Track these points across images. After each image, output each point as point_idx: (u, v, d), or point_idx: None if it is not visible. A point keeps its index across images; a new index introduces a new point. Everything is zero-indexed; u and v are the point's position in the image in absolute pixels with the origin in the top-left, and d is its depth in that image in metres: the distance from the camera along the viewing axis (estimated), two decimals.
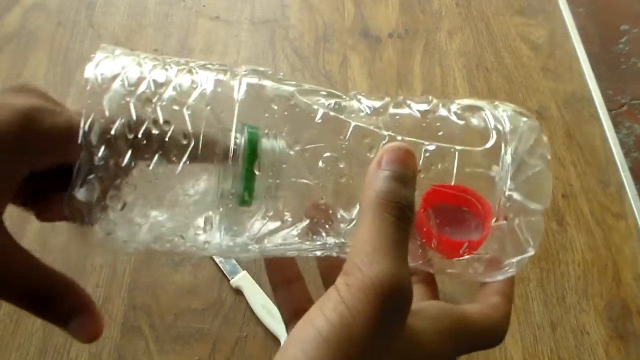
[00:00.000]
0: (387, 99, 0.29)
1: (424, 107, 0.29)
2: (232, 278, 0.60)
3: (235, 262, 0.62)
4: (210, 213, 0.26)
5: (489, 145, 0.28)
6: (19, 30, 0.82)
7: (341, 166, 0.27)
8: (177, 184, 0.25)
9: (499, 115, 0.29)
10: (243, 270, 0.61)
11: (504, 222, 0.28)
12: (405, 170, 0.25)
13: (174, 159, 0.24)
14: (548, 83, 0.79)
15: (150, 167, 0.24)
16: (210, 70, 0.27)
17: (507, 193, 0.27)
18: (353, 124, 0.27)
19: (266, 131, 0.26)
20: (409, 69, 0.79)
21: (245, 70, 0.28)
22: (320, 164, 0.27)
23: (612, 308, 0.61)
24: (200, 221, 0.26)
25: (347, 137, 0.27)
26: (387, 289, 0.22)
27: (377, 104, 0.29)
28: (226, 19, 0.85)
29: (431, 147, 0.27)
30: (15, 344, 0.57)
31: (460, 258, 0.29)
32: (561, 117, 0.75)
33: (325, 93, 0.28)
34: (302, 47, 0.81)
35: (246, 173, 0.25)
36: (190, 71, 0.26)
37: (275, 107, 0.27)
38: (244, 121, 0.26)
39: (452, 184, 0.27)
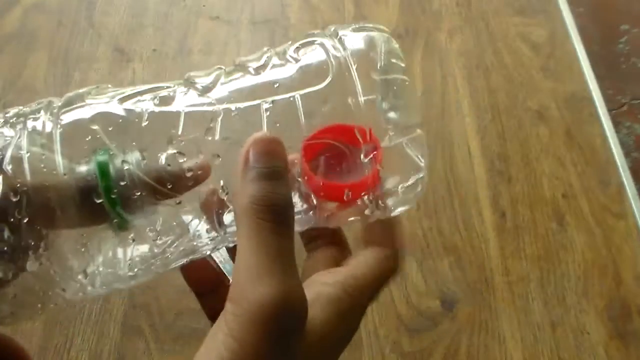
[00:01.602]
0: (220, 69, 0.27)
1: (257, 63, 0.27)
2: (232, 278, 0.60)
3: None
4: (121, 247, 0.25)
5: (328, 79, 0.26)
6: (19, 30, 0.82)
7: (192, 159, 0.25)
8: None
9: (336, 41, 0.27)
10: None
11: (390, 144, 0.26)
12: (274, 163, 0.23)
13: (11, 219, 0.22)
14: (548, 83, 0.79)
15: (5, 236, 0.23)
16: (25, 117, 0.25)
17: (383, 116, 0.26)
18: (183, 112, 0.25)
19: (111, 152, 0.24)
20: (409, 69, 0.79)
21: (59, 102, 0.26)
22: (166, 165, 0.25)
23: (612, 308, 0.61)
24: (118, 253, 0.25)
25: (180, 127, 0.25)
26: (274, 314, 0.21)
27: (209, 79, 0.27)
28: (226, 19, 0.85)
29: (267, 105, 0.25)
30: None
31: (350, 201, 0.27)
32: (561, 117, 0.75)
33: (149, 89, 0.26)
34: None
35: (108, 201, 0.24)
36: (6, 124, 0.25)
37: (96, 127, 0.25)
38: (72, 153, 0.24)
39: (311, 131, 0.25)
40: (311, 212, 0.27)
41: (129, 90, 0.26)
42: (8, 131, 0.24)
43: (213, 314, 0.28)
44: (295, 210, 0.25)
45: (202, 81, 0.27)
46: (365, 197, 0.27)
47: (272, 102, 0.25)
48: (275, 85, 0.26)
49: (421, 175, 0.27)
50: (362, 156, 0.25)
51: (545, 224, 0.67)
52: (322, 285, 0.25)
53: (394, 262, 0.27)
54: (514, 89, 0.78)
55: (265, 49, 0.28)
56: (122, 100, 0.26)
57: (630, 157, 1.31)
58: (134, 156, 0.25)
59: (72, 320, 0.58)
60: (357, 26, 0.28)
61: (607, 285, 0.63)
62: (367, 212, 0.27)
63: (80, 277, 0.25)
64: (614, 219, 0.67)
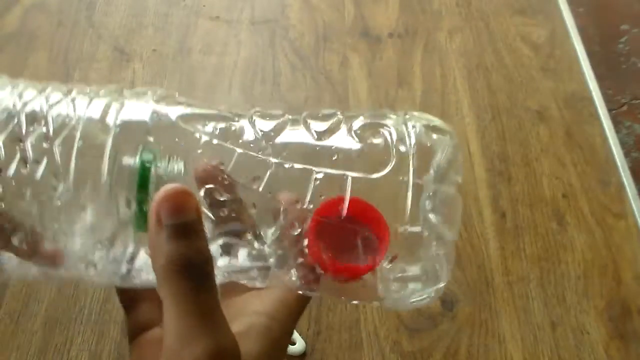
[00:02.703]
0: (285, 117, 0.27)
1: (322, 127, 0.26)
2: None
3: None
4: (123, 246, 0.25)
5: (386, 171, 0.25)
6: (19, 30, 0.82)
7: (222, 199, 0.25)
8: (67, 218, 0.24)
9: (404, 132, 0.26)
10: None
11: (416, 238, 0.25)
12: (184, 219, 0.22)
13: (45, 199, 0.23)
14: (548, 83, 0.79)
15: (21, 208, 0.23)
16: (90, 98, 0.26)
17: (423, 214, 0.25)
18: (237, 152, 0.25)
19: (165, 155, 0.25)
20: (409, 69, 0.79)
21: (131, 94, 0.26)
22: (204, 199, 0.25)
23: (612, 308, 0.61)
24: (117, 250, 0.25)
25: (229, 167, 0.25)
26: None
27: (271, 125, 0.26)
28: (226, 19, 0.85)
29: (319, 175, 0.25)
30: (15, 344, 0.57)
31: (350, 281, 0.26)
32: (561, 117, 0.75)
33: (213, 115, 0.26)
34: (302, 47, 0.81)
35: (138, 197, 0.24)
36: (68, 102, 0.25)
37: (152, 139, 0.25)
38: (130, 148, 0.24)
39: (344, 214, 0.25)
40: (307, 279, 0.26)
41: (195, 110, 0.26)
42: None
43: (134, 328, 0.28)
44: (291, 273, 0.25)
45: (265, 125, 0.26)
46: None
47: (325, 174, 0.25)
48: (333, 158, 0.26)
49: (436, 287, 0.27)
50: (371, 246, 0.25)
51: (545, 224, 0.67)
52: (253, 316, 0.26)
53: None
54: (514, 89, 0.78)
55: (333, 111, 0.27)
56: (185, 120, 0.26)
57: (630, 157, 1.31)
58: (178, 165, 0.25)
59: (72, 320, 0.58)
60: (429, 123, 0.27)
61: (607, 285, 0.63)
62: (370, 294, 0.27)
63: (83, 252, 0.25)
64: (614, 218, 0.67)
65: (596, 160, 0.72)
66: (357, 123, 0.27)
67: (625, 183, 0.70)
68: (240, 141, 0.26)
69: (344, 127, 0.27)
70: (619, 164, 0.72)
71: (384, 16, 0.85)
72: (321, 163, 0.25)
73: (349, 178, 0.25)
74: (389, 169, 0.25)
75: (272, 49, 0.81)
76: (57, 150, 0.24)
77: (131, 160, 0.24)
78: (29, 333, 0.57)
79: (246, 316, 0.26)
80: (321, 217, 0.25)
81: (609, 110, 0.79)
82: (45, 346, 0.57)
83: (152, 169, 0.25)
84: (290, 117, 0.27)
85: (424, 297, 0.27)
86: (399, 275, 0.26)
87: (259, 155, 0.25)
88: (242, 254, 0.26)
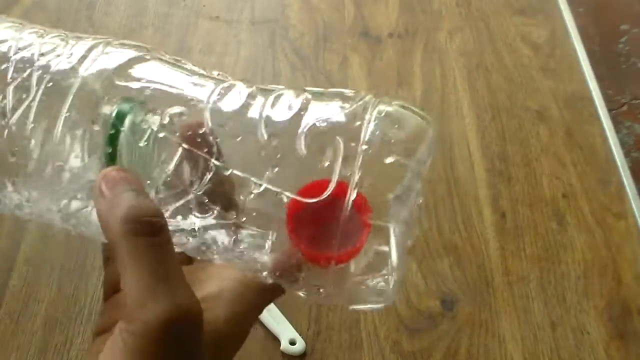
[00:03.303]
0: (282, 90, 0.27)
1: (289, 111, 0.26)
2: None
3: None
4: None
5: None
6: None
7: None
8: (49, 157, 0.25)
9: (363, 117, 0.25)
10: None
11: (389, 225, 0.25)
12: (131, 187, 0.23)
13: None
14: (548, 83, 0.79)
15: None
16: (86, 42, 0.26)
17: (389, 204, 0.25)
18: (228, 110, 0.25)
19: (142, 103, 0.25)
20: (409, 69, 0.79)
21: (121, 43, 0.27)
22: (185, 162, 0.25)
23: (612, 308, 0.61)
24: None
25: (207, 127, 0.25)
26: (170, 328, 0.21)
27: (265, 101, 0.26)
28: (226, 19, 0.85)
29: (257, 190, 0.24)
30: (15, 344, 0.57)
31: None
32: (561, 117, 0.75)
33: (199, 74, 0.27)
34: (302, 47, 0.81)
35: (109, 138, 0.24)
36: (63, 40, 0.26)
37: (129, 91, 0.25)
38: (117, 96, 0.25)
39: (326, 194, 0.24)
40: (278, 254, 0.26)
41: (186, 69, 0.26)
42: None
43: (108, 286, 0.28)
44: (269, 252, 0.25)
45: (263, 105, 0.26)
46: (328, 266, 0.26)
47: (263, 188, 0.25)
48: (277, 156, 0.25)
49: (389, 278, 0.26)
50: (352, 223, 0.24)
51: (545, 224, 0.67)
52: (226, 280, 0.25)
53: None
54: (514, 89, 0.78)
55: (304, 94, 0.27)
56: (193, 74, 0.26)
57: (630, 157, 1.31)
58: (155, 119, 0.25)
59: (72, 320, 0.58)
60: (397, 107, 0.27)
61: (607, 285, 0.63)
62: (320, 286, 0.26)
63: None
64: (614, 219, 0.67)
65: (596, 160, 0.72)
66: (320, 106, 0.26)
67: (625, 183, 0.70)
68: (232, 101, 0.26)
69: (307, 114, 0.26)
70: (619, 164, 0.72)
71: (384, 16, 0.85)
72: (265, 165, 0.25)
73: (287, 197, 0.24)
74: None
75: (272, 49, 0.81)
76: (36, 99, 0.24)
77: (108, 109, 0.25)
78: (29, 333, 0.57)
79: (219, 280, 0.25)
80: (302, 200, 0.24)
81: (609, 110, 0.79)
82: (45, 346, 0.57)
83: (127, 119, 0.25)
84: (286, 90, 0.27)
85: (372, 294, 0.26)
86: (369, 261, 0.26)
87: (249, 116, 0.25)
88: (221, 233, 0.26)
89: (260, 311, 0.27)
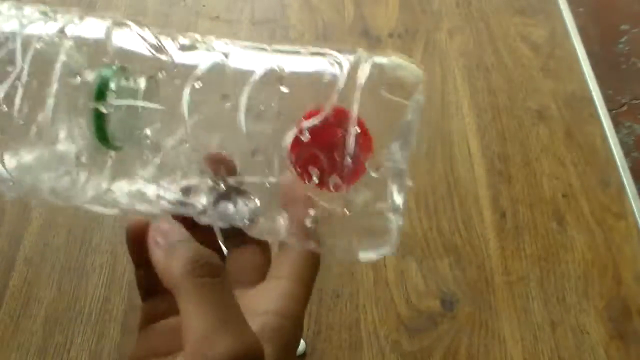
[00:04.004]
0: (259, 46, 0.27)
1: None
2: None
3: None
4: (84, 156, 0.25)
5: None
6: None
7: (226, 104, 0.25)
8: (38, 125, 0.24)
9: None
10: None
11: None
12: (182, 236, 0.25)
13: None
14: (548, 83, 0.79)
15: None
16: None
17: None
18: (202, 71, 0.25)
19: (125, 70, 0.25)
20: None
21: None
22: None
23: (612, 308, 0.61)
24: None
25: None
26: None
27: (241, 51, 0.26)
28: (226, 19, 0.85)
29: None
30: (15, 344, 0.57)
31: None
32: (561, 117, 0.75)
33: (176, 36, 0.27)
34: None
35: (94, 113, 0.24)
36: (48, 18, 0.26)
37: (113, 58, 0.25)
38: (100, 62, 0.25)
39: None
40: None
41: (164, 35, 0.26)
42: None
43: (147, 316, 0.29)
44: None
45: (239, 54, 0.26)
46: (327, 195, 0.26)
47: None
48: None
49: (391, 216, 0.26)
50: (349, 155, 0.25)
51: (545, 224, 0.67)
52: (263, 316, 0.26)
53: (315, 259, 0.28)
54: (514, 89, 0.78)
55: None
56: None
57: (630, 157, 1.31)
58: (137, 83, 0.25)
59: (72, 320, 0.58)
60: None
61: (607, 285, 0.63)
62: (308, 221, 0.26)
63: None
64: (614, 219, 0.67)
65: (596, 160, 0.72)
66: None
67: (625, 183, 0.70)
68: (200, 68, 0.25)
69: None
70: (619, 164, 0.72)
71: (384, 16, 0.85)
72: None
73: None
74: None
75: None
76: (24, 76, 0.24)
77: (90, 75, 0.25)
78: (29, 333, 0.57)
79: (257, 316, 0.26)
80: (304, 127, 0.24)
81: (609, 110, 0.79)
82: (45, 346, 0.57)
83: (111, 84, 0.25)
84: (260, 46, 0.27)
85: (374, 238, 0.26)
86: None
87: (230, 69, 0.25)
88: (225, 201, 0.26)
89: (301, 333, 0.27)
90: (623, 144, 0.93)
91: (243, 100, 0.25)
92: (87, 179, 0.26)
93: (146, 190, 0.26)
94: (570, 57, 0.82)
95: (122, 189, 0.26)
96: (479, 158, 0.71)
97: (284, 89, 0.25)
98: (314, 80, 0.26)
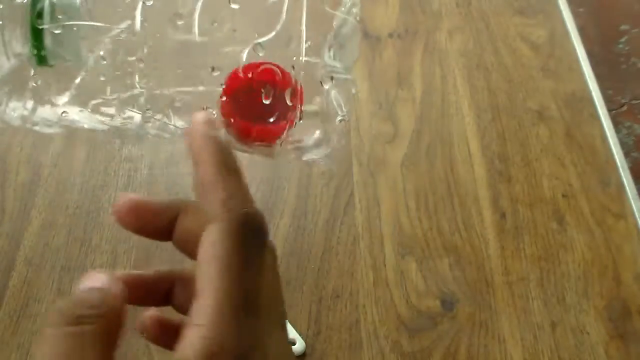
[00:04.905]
0: None
1: None
2: None
3: None
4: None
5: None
6: None
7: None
8: None
9: None
10: None
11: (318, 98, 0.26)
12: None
13: None
14: (548, 83, 0.79)
15: None
16: None
17: (322, 62, 0.25)
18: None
19: None
20: (409, 69, 0.79)
21: None
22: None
23: (612, 308, 0.61)
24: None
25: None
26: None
27: None
28: None
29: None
30: (15, 344, 0.57)
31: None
32: (561, 117, 0.75)
33: None
34: None
35: (32, 28, 0.23)
36: None
37: None
38: None
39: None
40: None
41: None
42: None
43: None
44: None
45: None
46: (276, 141, 0.27)
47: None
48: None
49: (338, 121, 0.27)
50: (286, 98, 0.25)
51: (545, 224, 0.67)
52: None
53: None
54: (514, 89, 0.78)
55: None
56: None
57: (630, 157, 1.31)
58: None
59: None
60: None
61: (607, 285, 0.63)
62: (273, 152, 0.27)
63: None
64: (614, 219, 0.67)
65: (596, 160, 0.72)
66: None
67: (625, 183, 0.70)
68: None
69: None
70: (619, 164, 0.72)
71: (384, 16, 0.85)
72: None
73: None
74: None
75: None
76: None
77: None
78: (29, 333, 0.57)
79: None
80: (235, 71, 0.25)
81: (609, 110, 0.79)
82: None
83: (47, 1, 0.24)
84: None
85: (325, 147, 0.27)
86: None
87: None
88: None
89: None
90: (623, 144, 0.93)
91: (196, 18, 0.25)
92: (9, 97, 0.25)
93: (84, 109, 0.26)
94: (570, 57, 0.82)
95: (69, 109, 0.26)
96: (479, 158, 0.71)
97: (234, 6, 0.25)
98: None
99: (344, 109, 0.27)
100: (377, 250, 0.64)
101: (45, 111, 0.26)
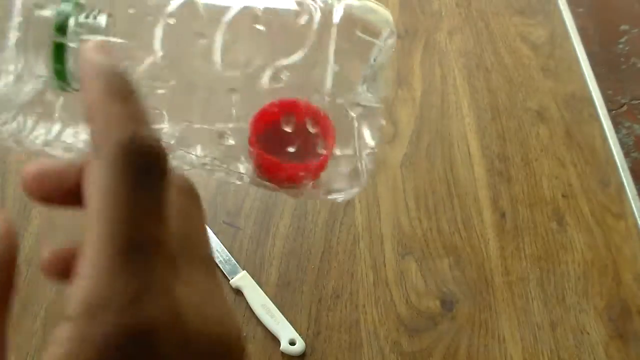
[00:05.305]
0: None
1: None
2: (231, 278, 0.60)
3: (235, 262, 0.62)
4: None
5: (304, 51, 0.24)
6: None
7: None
8: None
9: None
10: (243, 270, 0.61)
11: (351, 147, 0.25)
12: (118, 78, 0.20)
13: None
14: (548, 83, 0.79)
15: None
16: None
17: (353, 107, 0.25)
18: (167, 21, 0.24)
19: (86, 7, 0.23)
20: (409, 69, 0.79)
21: None
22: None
23: (612, 308, 0.61)
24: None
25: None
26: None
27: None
28: None
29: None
30: (15, 344, 0.57)
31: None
32: (561, 117, 0.75)
33: None
34: None
35: (55, 50, 0.23)
36: None
37: None
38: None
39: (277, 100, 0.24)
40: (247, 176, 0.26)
41: None
42: None
43: None
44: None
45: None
46: (305, 180, 0.26)
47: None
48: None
49: (366, 155, 0.26)
50: (313, 139, 0.25)
51: (545, 224, 0.67)
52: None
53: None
54: (514, 89, 0.78)
55: None
56: None
57: (630, 157, 1.31)
58: (100, 18, 0.23)
59: None
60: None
61: (607, 285, 0.63)
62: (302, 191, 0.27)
63: None
64: (613, 219, 0.67)
65: (596, 160, 0.72)
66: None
67: (625, 183, 0.70)
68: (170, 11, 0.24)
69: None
70: (618, 164, 0.72)
71: None
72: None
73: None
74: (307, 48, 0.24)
75: None
76: None
77: (48, 12, 0.23)
78: (29, 333, 0.57)
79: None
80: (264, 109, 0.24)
81: (609, 110, 0.79)
82: (45, 346, 0.57)
83: (71, 20, 0.23)
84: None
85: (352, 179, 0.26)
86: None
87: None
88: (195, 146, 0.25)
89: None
90: (623, 144, 0.93)
91: (219, 38, 0.24)
92: (36, 123, 0.24)
93: None
94: (570, 57, 0.82)
95: (75, 134, 0.25)
96: (478, 158, 0.71)
97: (259, 27, 0.25)
98: (290, 20, 0.25)
99: (373, 141, 0.26)
100: (377, 250, 0.64)
101: (67, 136, 0.25)
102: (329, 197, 0.27)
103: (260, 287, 0.60)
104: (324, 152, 0.25)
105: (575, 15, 0.88)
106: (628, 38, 1.49)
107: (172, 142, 0.25)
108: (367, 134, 0.26)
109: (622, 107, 1.39)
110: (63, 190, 0.22)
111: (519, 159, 0.72)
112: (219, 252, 0.62)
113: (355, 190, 0.27)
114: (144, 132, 0.19)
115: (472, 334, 0.59)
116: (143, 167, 0.18)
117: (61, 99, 0.24)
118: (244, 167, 0.26)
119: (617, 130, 0.77)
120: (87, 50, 0.20)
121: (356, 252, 0.64)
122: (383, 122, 0.26)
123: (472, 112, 0.75)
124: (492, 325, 0.60)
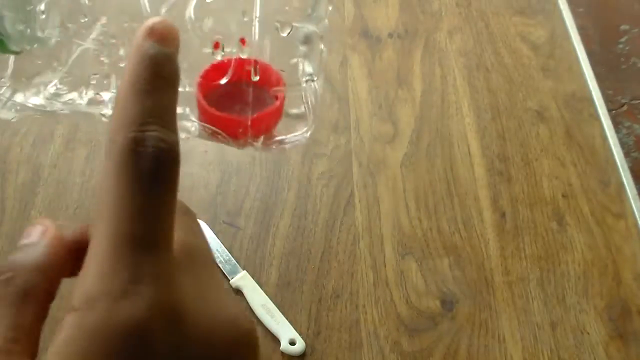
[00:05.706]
0: None
1: None
2: (231, 278, 0.60)
3: (235, 262, 0.62)
4: None
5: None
6: None
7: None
8: None
9: None
10: (243, 270, 0.61)
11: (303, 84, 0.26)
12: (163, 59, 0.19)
13: None
14: (548, 83, 0.79)
15: None
16: None
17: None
18: None
19: None
20: (409, 69, 0.79)
21: None
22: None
23: (612, 308, 0.61)
24: None
25: None
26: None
27: None
28: None
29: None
30: None
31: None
32: (561, 117, 0.75)
33: None
34: None
35: None
36: None
37: None
38: None
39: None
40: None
41: None
42: None
43: None
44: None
45: None
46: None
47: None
48: None
49: (304, 81, 0.26)
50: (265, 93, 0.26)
51: (545, 224, 0.67)
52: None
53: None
54: (514, 89, 0.78)
55: None
56: None
57: (630, 157, 1.31)
58: None
59: None
60: None
61: (607, 285, 0.63)
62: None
63: None
64: (614, 219, 0.67)
65: (596, 160, 0.72)
66: None
67: (625, 183, 0.70)
68: None
69: None
70: (618, 164, 0.72)
71: (384, 16, 0.85)
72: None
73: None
74: None
75: None
76: None
77: None
78: None
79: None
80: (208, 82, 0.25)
81: (609, 110, 0.79)
82: (45, 346, 0.57)
83: None
84: None
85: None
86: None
87: None
88: None
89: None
90: (623, 144, 0.94)
91: None
92: None
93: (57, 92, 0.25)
94: (570, 57, 0.82)
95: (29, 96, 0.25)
96: (478, 158, 0.71)
97: None
98: None
99: (313, 70, 0.26)
100: (377, 250, 0.64)
101: (19, 97, 0.25)
102: (283, 146, 0.27)
103: (260, 287, 0.60)
104: (276, 103, 0.26)
105: (575, 15, 0.88)
106: (628, 38, 1.49)
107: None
108: (308, 67, 0.26)
109: (622, 107, 1.39)
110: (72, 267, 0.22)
111: (519, 158, 0.72)
112: (219, 252, 0.62)
113: (306, 132, 0.27)
114: (154, 132, 0.18)
115: (472, 334, 0.59)
116: (145, 169, 0.18)
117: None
118: (191, 123, 0.27)
119: (617, 130, 0.77)
120: (139, 31, 0.19)
121: (356, 252, 0.64)
122: (322, 47, 0.26)
123: (472, 112, 0.75)
124: (492, 325, 0.60)
